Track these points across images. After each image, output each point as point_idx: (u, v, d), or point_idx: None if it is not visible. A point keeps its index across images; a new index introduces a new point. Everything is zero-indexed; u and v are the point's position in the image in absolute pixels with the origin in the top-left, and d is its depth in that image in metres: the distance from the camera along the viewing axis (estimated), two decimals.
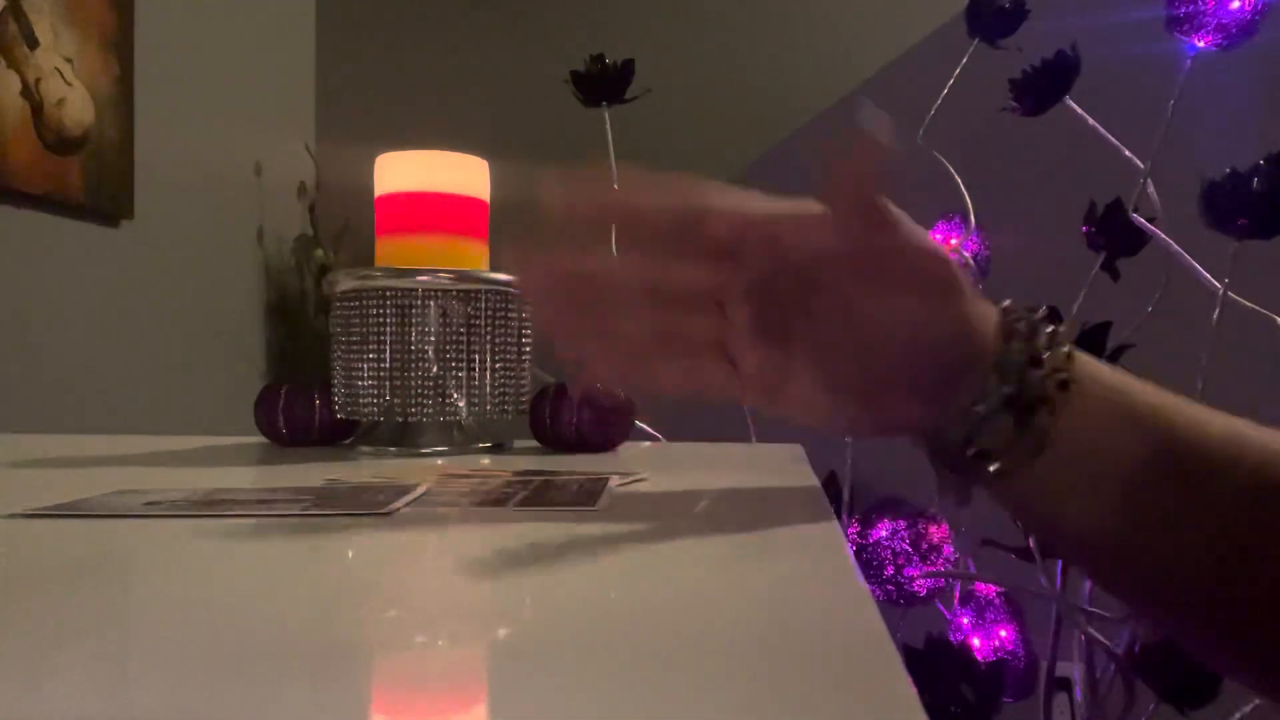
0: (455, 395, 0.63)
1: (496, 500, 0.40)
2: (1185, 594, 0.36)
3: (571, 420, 0.64)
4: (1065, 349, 0.37)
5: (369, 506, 0.37)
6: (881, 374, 0.38)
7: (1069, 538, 0.39)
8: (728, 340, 0.38)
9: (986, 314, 0.38)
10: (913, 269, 0.37)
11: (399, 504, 0.38)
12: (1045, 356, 0.36)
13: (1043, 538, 0.39)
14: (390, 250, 0.67)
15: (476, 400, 0.64)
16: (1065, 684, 1.02)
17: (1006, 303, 0.38)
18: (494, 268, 0.67)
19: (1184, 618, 0.38)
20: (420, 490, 0.41)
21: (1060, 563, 0.96)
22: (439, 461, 0.58)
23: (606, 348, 0.37)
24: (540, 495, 0.41)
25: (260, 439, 0.68)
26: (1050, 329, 0.37)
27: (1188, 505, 0.35)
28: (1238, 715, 0.92)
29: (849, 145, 0.34)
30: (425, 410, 0.63)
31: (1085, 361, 0.37)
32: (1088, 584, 0.99)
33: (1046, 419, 0.36)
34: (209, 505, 0.37)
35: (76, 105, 1.49)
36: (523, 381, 0.68)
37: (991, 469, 0.37)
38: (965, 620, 1.06)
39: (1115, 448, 0.36)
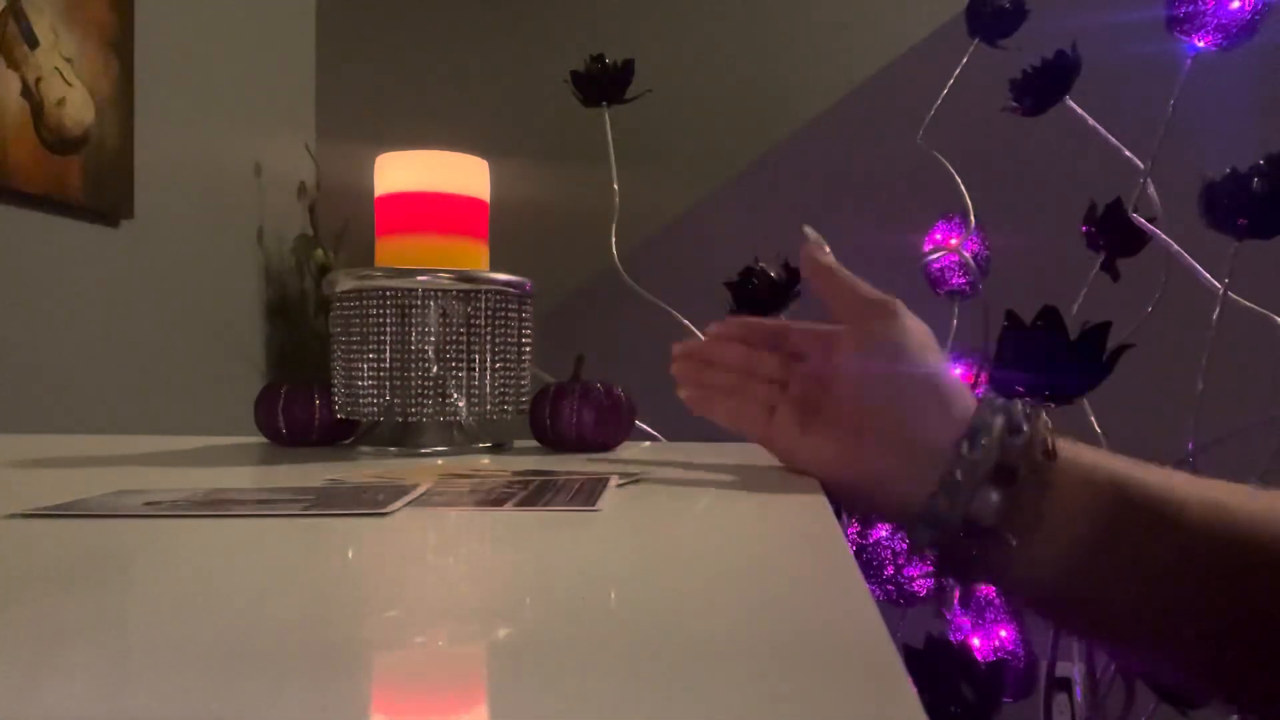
0: (455, 395, 0.63)
1: (496, 500, 0.40)
2: (1133, 634, 0.38)
3: (571, 420, 0.64)
4: (1046, 421, 0.39)
5: (369, 506, 0.37)
6: (865, 423, 0.44)
7: (1031, 591, 0.40)
8: (777, 406, 0.50)
9: (966, 392, 0.42)
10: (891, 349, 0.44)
11: (399, 504, 0.38)
12: (1025, 426, 0.38)
13: (1007, 592, 0.41)
14: (390, 250, 0.67)
15: (476, 400, 0.64)
16: (1065, 684, 1.02)
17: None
18: (494, 268, 0.67)
19: (1132, 652, 0.39)
20: (420, 490, 0.41)
21: None
22: (439, 461, 0.58)
23: (702, 389, 0.54)
24: (540, 495, 0.41)
25: (260, 439, 0.68)
26: (1028, 407, 0.40)
27: (1146, 558, 0.36)
28: (1236, 716, 0.92)
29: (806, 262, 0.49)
30: (425, 410, 0.63)
31: (1067, 440, 0.39)
32: None
33: (1035, 490, 0.37)
34: (209, 505, 0.37)
35: (76, 105, 1.49)
36: (523, 381, 0.68)
37: (991, 547, 0.38)
38: (965, 620, 1.06)
39: (1090, 514, 0.37)
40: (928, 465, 0.39)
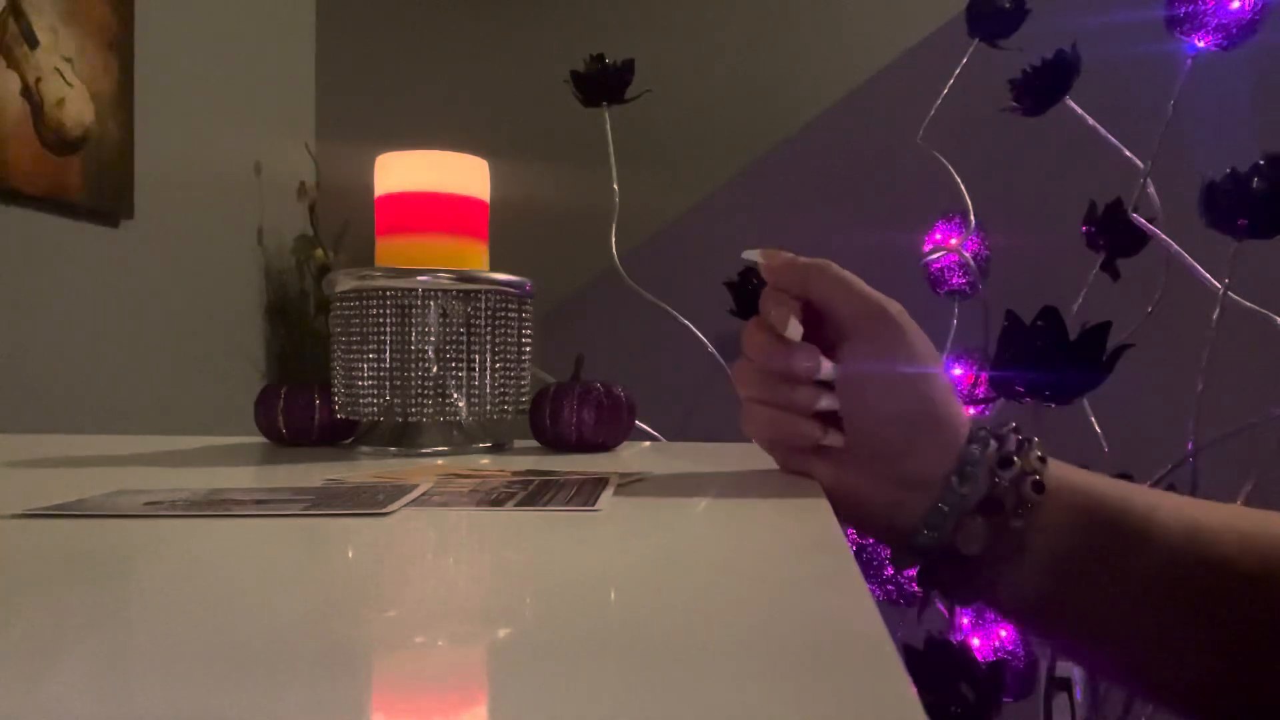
0: (455, 395, 0.63)
1: (496, 500, 0.40)
2: (1112, 650, 0.38)
3: (571, 420, 0.64)
4: (1038, 453, 0.38)
5: (369, 506, 0.37)
6: (858, 448, 0.42)
7: (1013, 608, 0.40)
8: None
9: (960, 416, 0.41)
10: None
11: (398, 504, 0.38)
12: (1016, 459, 0.38)
13: (990, 608, 0.41)
14: (390, 250, 0.67)
15: (476, 400, 0.64)
16: (1065, 684, 1.02)
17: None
18: (494, 268, 0.67)
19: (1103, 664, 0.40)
20: (420, 490, 0.41)
21: None
22: (439, 461, 0.58)
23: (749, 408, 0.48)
24: (540, 495, 0.41)
25: (260, 439, 0.68)
26: (1020, 437, 0.39)
27: (1126, 577, 0.37)
28: None
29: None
30: (425, 410, 0.63)
31: (1057, 465, 0.39)
32: None
33: (1022, 521, 0.37)
34: (209, 505, 0.37)
35: (76, 105, 1.49)
36: (523, 381, 0.68)
37: (975, 579, 0.38)
38: (965, 620, 1.06)
39: (1072, 536, 0.37)
40: (917, 495, 0.39)
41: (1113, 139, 1.08)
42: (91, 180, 1.53)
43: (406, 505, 0.38)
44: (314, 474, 0.50)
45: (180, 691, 0.17)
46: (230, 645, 0.20)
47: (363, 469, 0.52)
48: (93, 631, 0.22)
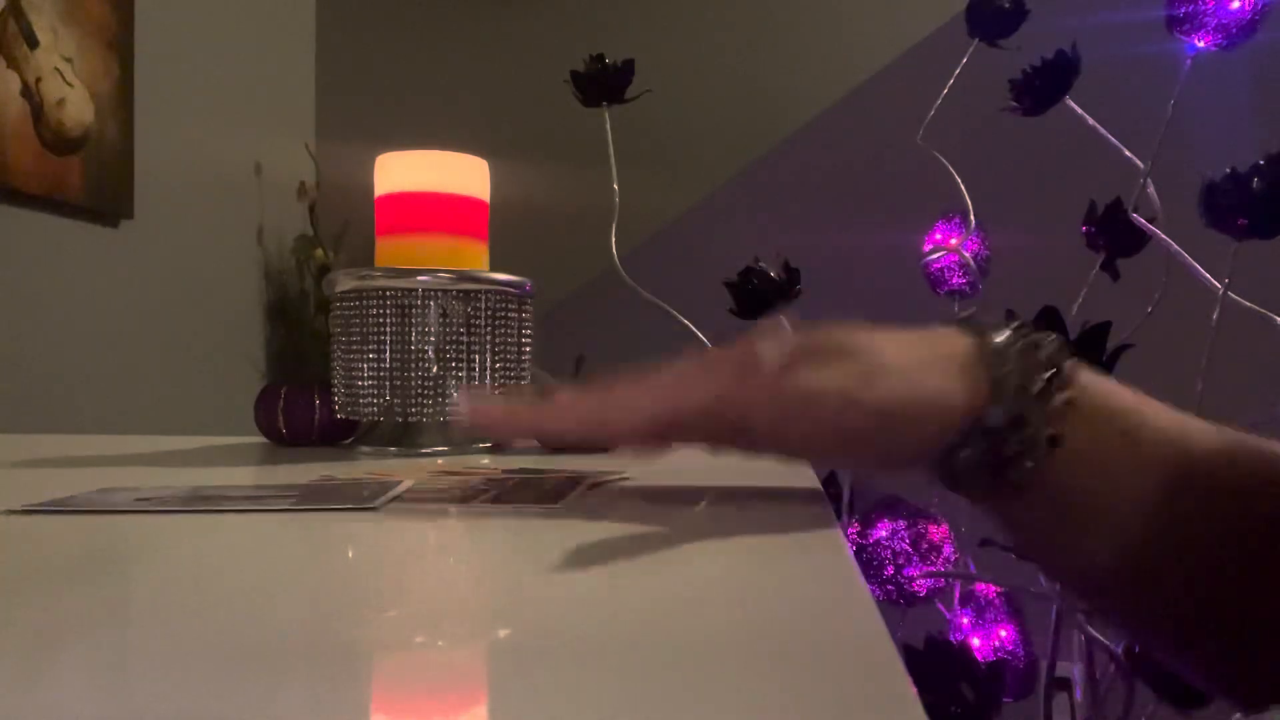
0: (455, 395, 0.63)
1: (464, 498, 0.40)
2: (1187, 617, 0.35)
3: None
4: (1064, 396, 0.34)
5: (354, 501, 0.37)
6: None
7: (1066, 570, 0.38)
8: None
9: (956, 382, 0.34)
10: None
11: (380, 501, 0.38)
12: (1032, 416, 0.33)
13: (1042, 565, 0.37)
14: (390, 250, 0.67)
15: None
16: (1065, 684, 1.02)
17: (1001, 337, 0.35)
18: (494, 268, 0.67)
19: (1181, 641, 0.36)
20: (402, 487, 0.41)
21: None
22: (439, 461, 0.58)
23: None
24: (512, 493, 0.41)
25: (260, 439, 0.68)
26: (1047, 374, 0.34)
27: (1195, 530, 0.33)
28: (1237, 715, 0.92)
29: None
30: (425, 410, 0.63)
31: (1086, 397, 0.34)
32: None
33: (1028, 472, 0.33)
34: (197, 500, 0.37)
35: (76, 105, 1.49)
36: (523, 381, 0.68)
37: (970, 501, 0.35)
38: (965, 620, 1.06)
39: (1114, 483, 0.34)
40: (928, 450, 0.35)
41: (1113, 139, 1.08)
42: (91, 180, 1.53)
43: (388, 501, 0.38)
44: (312, 474, 0.50)
45: (177, 691, 0.17)
46: (225, 643, 0.20)
47: (361, 469, 0.52)
48: (86, 629, 0.21)
